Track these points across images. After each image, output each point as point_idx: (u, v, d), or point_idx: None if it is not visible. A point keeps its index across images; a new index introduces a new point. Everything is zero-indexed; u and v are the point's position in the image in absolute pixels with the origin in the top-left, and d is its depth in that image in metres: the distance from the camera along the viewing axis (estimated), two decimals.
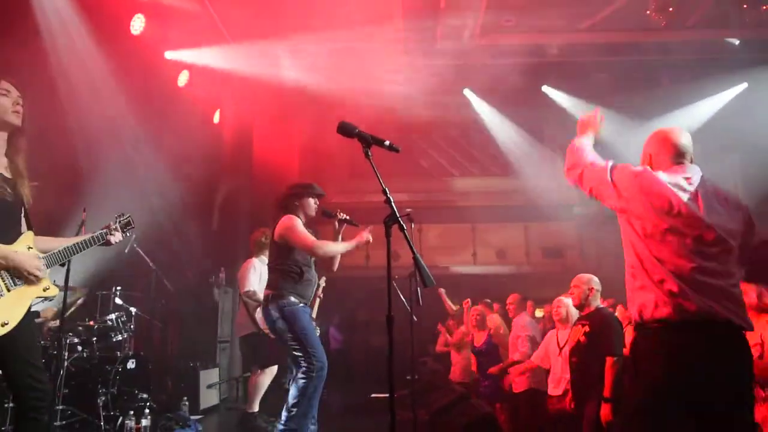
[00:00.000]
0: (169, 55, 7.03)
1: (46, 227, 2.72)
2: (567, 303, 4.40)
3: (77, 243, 2.65)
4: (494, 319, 6.36)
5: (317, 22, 7.13)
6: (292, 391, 3.58)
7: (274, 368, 5.04)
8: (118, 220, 2.88)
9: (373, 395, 6.79)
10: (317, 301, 5.98)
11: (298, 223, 3.76)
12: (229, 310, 7.93)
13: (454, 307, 7.10)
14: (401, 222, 2.33)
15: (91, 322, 4.87)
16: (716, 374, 1.99)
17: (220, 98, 8.58)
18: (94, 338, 4.82)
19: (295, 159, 10.77)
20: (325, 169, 10.33)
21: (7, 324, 2.27)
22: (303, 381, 3.55)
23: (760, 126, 7.91)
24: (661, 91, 8.99)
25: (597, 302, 3.95)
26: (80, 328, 4.80)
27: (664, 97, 8.87)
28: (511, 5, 7.42)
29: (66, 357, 4.38)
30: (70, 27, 5.25)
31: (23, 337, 2.34)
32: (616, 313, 4.66)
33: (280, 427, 3.56)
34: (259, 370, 5.10)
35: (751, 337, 2.62)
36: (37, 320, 4.55)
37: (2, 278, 2.32)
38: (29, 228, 2.54)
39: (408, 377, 4.46)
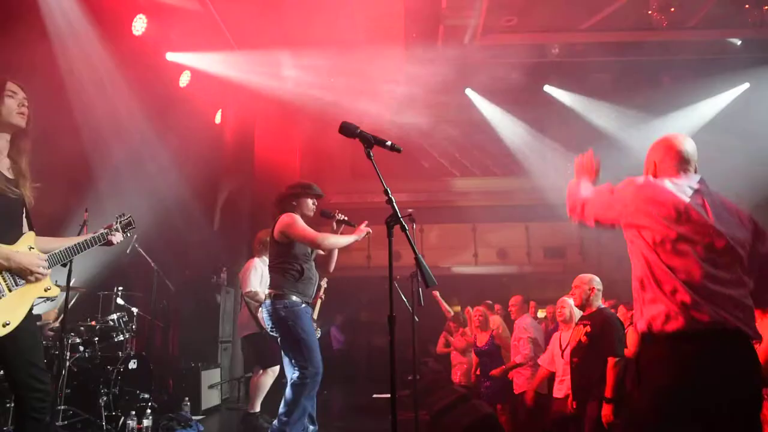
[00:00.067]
0: (171, 56, 7.03)
1: (47, 227, 2.72)
2: (570, 303, 4.38)
3: (79, 243, 2.66)
4: (495, 320, 6.36)
5: (320, 22, 7.13)
6: (286, 396, 3.56)
7: (276, 368, 5.03)
8: (119, 221, 2.89)
9: (375, 395, 6.80)
10: (318, 302, 5.99)
11: (299, 219, 3.76)
12: (231, 310, 7.93)
13: (451, 311, 7.10)
14: (403, 222, 2.32)
15: (93, 323, 4.88)
16: (724, 383, 1.98)
17: (222, 99, 8.59)
18: (96, 338, 4.83)
19: (297, 159, 10.77)
20: (326, 169, 10.34)
21: (8, 324, 2.27)
22: (296, 385, 3.53)
23: (761, 125, 7.91)
24: (662, 91, 8.99)
25: (598, 302, 3.95)
26: (82, 328, 4.80)
27: (666, 97, 8.87)
28: (512, 5, 7.42)
29: (68, 357, 4.39)
30: (77, 27, 5.26)
31: (25, 338, 2.35)
32: (618, 314, 4.65)
33: None
34: (260, 371, 5.10)
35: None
36: (38, 323, 4.56)
37: (4, 278, 2.32)
38: (30, 228, 2.55)
39: (410, 377, 4.46)
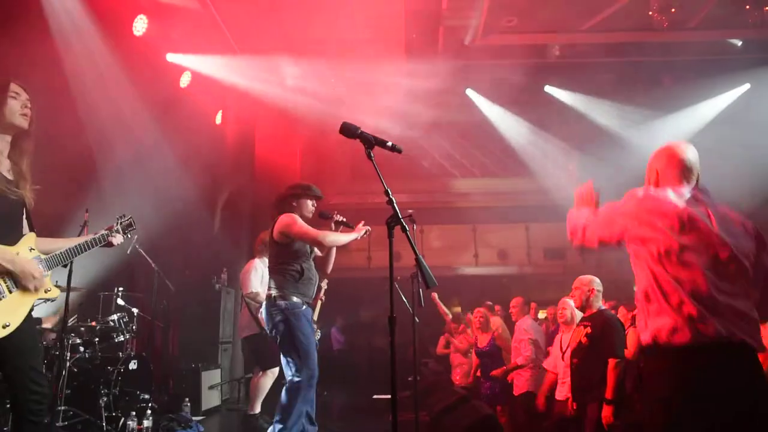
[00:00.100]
0: (171, 57, 7.03)
1: (47, 227, 2.72)
2: (572, 304, 4.37)
3: (79, 244, 2.66)
4: (495, 321, 6.36)
5: (320, 23, 7.13)
6: (281, 401, 3.55)
7: (276, 370, 5.03)
8: (119, 222, 2.89)
9: (375, 396, 6.80)
10: (319, 303, 5.99)
11: (298, 218, 3.76)
12: (231, 311, 7.93)
13: (449, 313, 7.09)
14: (404, 223, 2.32)
15: (93, 323, 4.87)
16: (730, 396, 1.97)
17: (223, 99, 8.59)
18: (96, 339, 4.82)
19: (297, 160, 10.78)
20: (326, 170, 10.34)
21: (8, 326, 2.27)
22: (291, 389, 3.53)
23: (762, 126, 7.90)
24: (663, 92, 8.98)
25: (599, 303, 3.94)
26: (82, 328, 4.79)
27: (666, 98, 8.86)
28: (513, 5, 7.42)
29: (68, 358, 4.37)
30: (80, 26, 5.25)
31: (24, 339, 2.34)
32: (618, 315, 4.64)
33: None
34: (261, 372, 5.10)
35: None
36: (38, 327, 4.55)
37: (4, 280, 2.32)
38: (31, 229, 2.55)
39: (410, 378, 4.46)
